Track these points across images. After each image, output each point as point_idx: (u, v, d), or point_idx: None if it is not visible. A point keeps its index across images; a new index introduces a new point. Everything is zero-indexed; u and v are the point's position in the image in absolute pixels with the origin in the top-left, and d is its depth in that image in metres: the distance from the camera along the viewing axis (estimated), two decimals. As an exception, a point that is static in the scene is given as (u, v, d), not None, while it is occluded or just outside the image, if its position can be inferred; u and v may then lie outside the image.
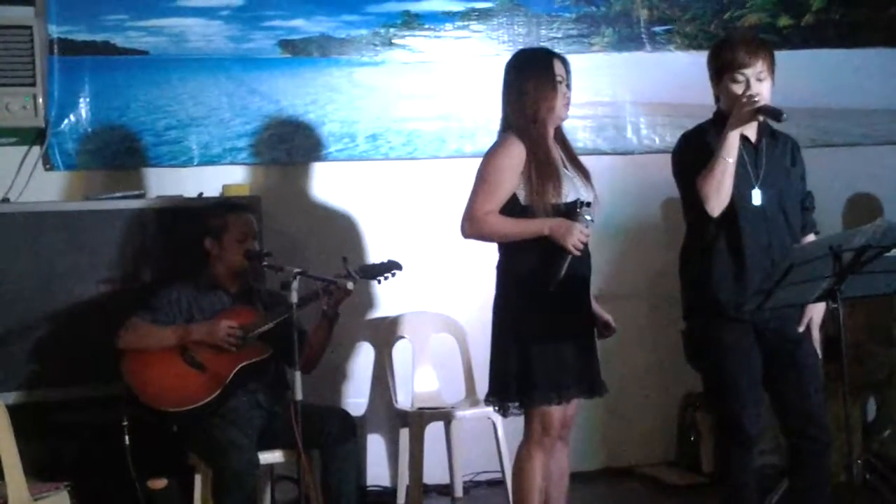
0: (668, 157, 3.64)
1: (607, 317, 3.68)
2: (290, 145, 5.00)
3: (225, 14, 4.94)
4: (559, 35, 5.40)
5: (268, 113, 4.98)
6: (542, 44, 5.16)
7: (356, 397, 5.04)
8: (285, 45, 5.05)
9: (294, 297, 3.69)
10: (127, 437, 4.04)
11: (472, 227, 3.49)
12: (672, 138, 3.74)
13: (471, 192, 3.52)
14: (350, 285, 4.00)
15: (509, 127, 3.56)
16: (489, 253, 3.63)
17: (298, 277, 3.70)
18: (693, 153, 3.46)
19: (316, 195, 5.03)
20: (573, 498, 3.80)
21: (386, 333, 5.00)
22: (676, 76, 5.35)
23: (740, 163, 3.41)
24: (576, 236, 3.40)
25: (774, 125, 3.55)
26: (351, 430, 4.04)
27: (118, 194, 4.49)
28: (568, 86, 3.59)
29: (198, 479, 4.01)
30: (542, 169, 3.46)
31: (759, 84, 3.43)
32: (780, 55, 3.57)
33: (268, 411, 4.10)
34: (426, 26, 5.24)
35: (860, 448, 4.65)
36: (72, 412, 4.24)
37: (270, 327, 4.03)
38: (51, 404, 4.23)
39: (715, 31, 5.51)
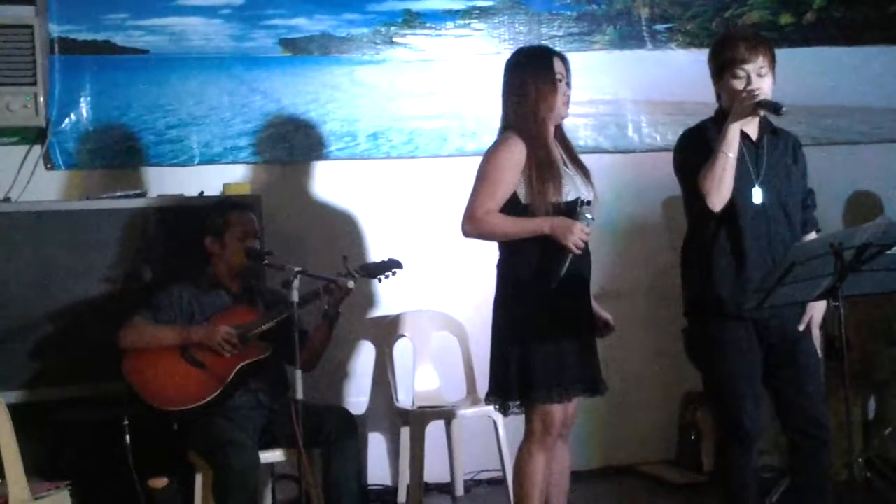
0: (669, 156, 3.64)
1: (607, 316, 3.68)
2: (291, 144, 5.00)
3: (225, 13, 4.94)
4: (560, 33, 5.39)
5: (269, 112, 4.98)
6: (543, 42, 5.15)
7: (357, 396, 5.04)
8: (286, 43, 5.05)
9: (295, 296, 3.69)
10: (128, 436, 4.04)
11: (473, 225, 3.49)
12: (673, 136, 3.74)
13: (471, 191, 3.52)
14: (351, 284, 4.00)
15: (509, 125, 3.56)
16: (490, 252, 3.63)
17: (299, 276, 3.70)
18: (694, 150, 3.47)
19: (317, 194, 5.03)
20: (574, 496, 3.80)
21: (387, 332, 5.00)
22: (678, 74, 5.35)
23: (741, 161, 3.41)
24: (576, 235, 3.40)
25: (775, 122, 3.55)
26: (352, 429, 4.04)
27: (119, 193, 4.50)
28: (568, 84, 3.59)
29: (198, 478, 4.01)
30: (542, 167, 3.46)
31: (760, 79, 3.43)
32: (781, 53, 3.57)
33: (269, 410, 4.10)
34: (427, 25, 5.24)
35: (861, 446, 4.65)
36: (73, 411, 4.23)
37: (271, 326, 4.03)
38: (51, 403, 4.23)
39: (716, 29, 5.50)
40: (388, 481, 5.03)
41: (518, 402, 3.51)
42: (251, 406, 4.08)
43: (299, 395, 3.65)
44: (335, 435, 3.97)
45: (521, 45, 4.65)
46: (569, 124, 3.72)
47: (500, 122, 3.63)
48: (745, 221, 3.42)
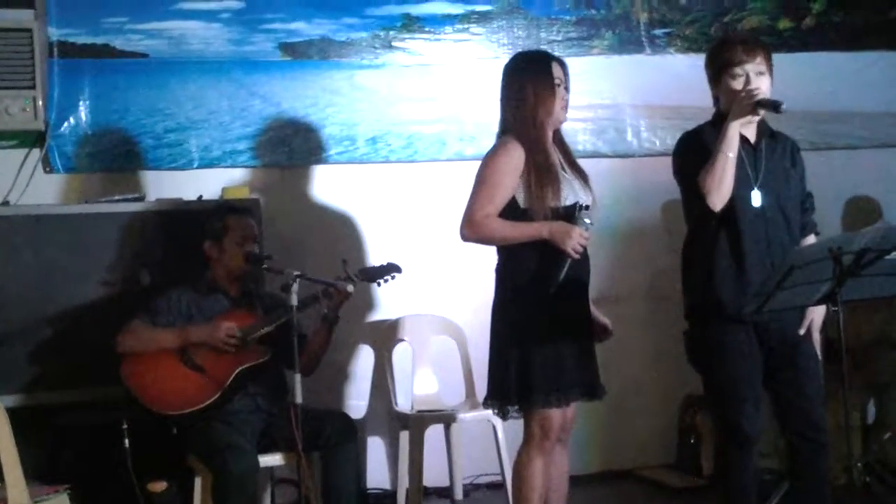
0: (668, 160, 3.65)
1: (605, 320, 3.69)
2: (290, 148, 5.00)
3: (225, 17, 4.95)
4: (559, 38, 5.40)
5: (268, 115, 4.98)
6: (541, 47, 5.17)
7: (356, 400, 5.04)
8: (285, 47, 5.05)
9: (294, 300, 3.69)
10: (127, 440, 4.03)
11: (472, 230, 3.49)
12: (672, 141, 3.75)
13: (470, 196, 3.52)
14: (350, 288, 4.00)
15: (508, 130, 3.56)
16: (488, 256, 3.63)
17: (298, 280, 3.70)
18: (692, 153, 3.47)
19: (316, 198, 5.03)
20: (573, 501, 3.79)
21: (386, 336, 5.00)
22: (676, 79, 5.36)
23: (740, 164, 3.42)
24: (575, 239, 3.41)
25: (774, 126, 3.56)
26: (351, 433, 4.04)
27: (118, 197, 4.49)
28: (567, 88, 3.59)
29: (198, 481, 4.00)
30: (541, 172, 3.46)
31: (759, 78, 3.44)
32: (780, 58, 3.58)
33: (268, 414, 4.10)
34: (426, 29, 5.24)
35: (860, 450, 4.65)
36: (72, 415, 4.23)
37: (270, 330, 4.03)
38: (51, 407, 4.22)
39: (715, 34, 5.51)
40: (387, 485, 5.03)
41: (517, 407, 3.51)
42: (250, 410, 4.08)
43: (298, 399, 3.65)
44: (334, 439, 3.97)
45: (520, 50, 4.68)
46: (567, 129, 3.72)
47: (499, 127, 3.63)
48: (745, 224, 3.42)
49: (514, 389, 3.47)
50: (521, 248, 3.47)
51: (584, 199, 3.53)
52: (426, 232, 5.01)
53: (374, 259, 4.79)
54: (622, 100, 5.43)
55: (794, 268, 3.01)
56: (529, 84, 3.53)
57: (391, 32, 5.19)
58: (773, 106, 3.35)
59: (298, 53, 5.08)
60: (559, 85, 3.55)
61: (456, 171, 4.69)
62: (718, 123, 3.46)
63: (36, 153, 4.65)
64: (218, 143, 4.90)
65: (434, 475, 4.86)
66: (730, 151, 3.35)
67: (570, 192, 3.51)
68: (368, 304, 5.03)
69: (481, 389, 3.74)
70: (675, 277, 3.64)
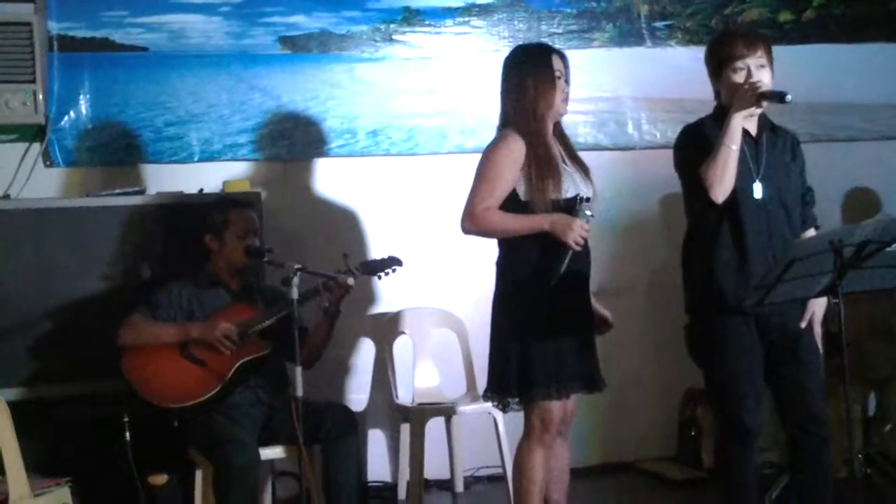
0: (669, 153, 3.64)
1: (605, 313, 3.69)
2: (290, 141, 5.00)
3: (225, 10, 4.94)
4: (559, 31, 5.39)
5: (268, 109, 4.98)
6: (542, 39, 5.15)
7: (357, 393, 5.04)
8: (285, 41, 5.05)
9: (295, 293, 3.69)
10: (128, 433, 4.04)
11: (472, 223, 3.49)
12: (673, 133, 3.74)
13: (471, 188, 3.52)
14: (351, 281, 4.00)
15: (508, 123, 3.56)
16: (489, 248, 3.62)
17: (299, 273, 3.70)
18: (694, 146, 3.46)
19: (316, 191, 5.03)
20: (573, 493, 3.80)
21: (386, 329, 5.00)
22: (677, 71, 5.35)
23: (741, 157, 3.41)
24: (576, 232, 3.40)
25: (776, 119, 3.55)
26: (352, 426, 4.05)
27: (118, 191, 4.49)
28: (567, 81, 3.59)
29: (198, 474, 4.01)
30: (541, 165, 3.46)
31: (760, 71, 3.43)
32: (780, 50, 3.57)
33: (269, 407, 4.10)
34: (426, 22, 5.24)
35: (861, 443, 4.66)
36: (73, 408, 4.24)
37: (271, 323, 4.03)
38: (52, 400, 4.23)
39: (715, 27, 5.50)
40: (388, 478, 5.04)
41: (517, 399, 3.51)
42: (251, 403, 4.08)
43: (299, 392, 3.65)
44: (335, 432, 3.97)
45: (521, 43, 4.66)
46: (568, 121, 3.72)
47: (499, 120, 3.63)
48: (746, 217, 3.42)
49: (514, 382, 3.48)
50: (521, 241, 3.47)
51: (585, 191, 3.53)
52: (427, 225, 5.01)
53: (375, 252, 4.79)
54: (623, 92, 5.43)
55: (796, 260, 3.01)
56: (530, 77, 3.52)
57: (392, 25, 5.19)
58: (779, 97, 3.33)
59: (298, 47, 5.07)
60: (559, 77, 3.54)
61: (456, 164, 4.69)
62: (720, 117, 3.45)
63: (36, 147, 4.65)
64: (218, 137, 4.90)
65: (435, 468, 4.87)
66: (733, 144, 3.35)
67: (571, 185, 3.51)
68: (369, 297, 5.03)
69: (482, 382, 3.74)
70: (675, 270, 3.63)
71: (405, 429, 4.75)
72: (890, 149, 5.70)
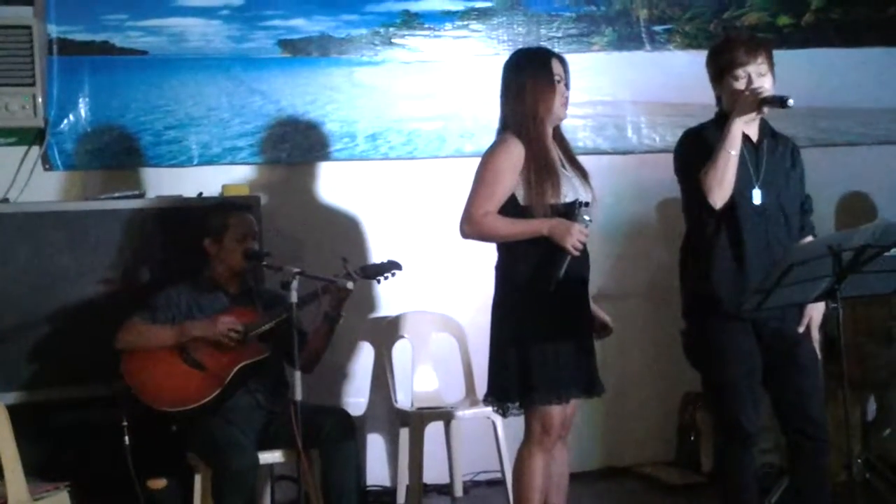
0: (668, 157, 3.65)
1: (605, 317, 3.68)
2: (289, 145, 5.00)
3: (224, 14, 4.94)
4: (559, 34, 5.40)
5: (267, 113, 4.97)
6: (541, 43, 5.16)
7: (356, 397, 5.04)
8: (285, 44, 5.05)
9: (294, 297, 3.69)
10: (127, 437, 4.04)
11: (471, 227, 3.49)
12: (672, 137, 3.75)
13: (469, 193, 3.52)
14: (350, 285, 4.00)
15: (508, 127, 3.56)
16: (489, 253, 3.62)
17: (298, 277, 3.70)
18: (694, 151, 3.47)
19: (316, 195, 5.03)
20: (573, 498, 3.79)
21: (386, 333, 5.00)
22: (676, 75, 5.35)
23: (741, 162, 3.42)
24: (575, 236, 3.40)
25: (776, 124, 3.56)
26: (351, 430, 4.04)
27: (117, 194, 4.49)
28: (566, 85, 3.59)
29: (197, 478, 4.00)
30: (540, 169, 3.46)
31: (761, 79, 3.44)
32: (779, 54, 3.58)
33: (267, 411, 4.10)
34: (426, 26, 5.24)
35: (860, 447, 4.66)
36: (72, 412, 4.23)
37: (270, 327, 4.03)
38: (51, 404, 4.22)
39: (715, 31, 5.51)
40: (387, 482, 5.03)
41: (517, 404, 3.51)
42: (250, 407, 4.08)
43: (298, 396, 3.65)
44: (334, 436, 3.97)
45: (520, 47, 4.68)
46: (567, 126, 3.72)
47: (499, 124, 3.62)
48: (745, 222, 3.43)
49: (514, 387, 3.47)
50: (520, 246, 3.47)
51: (584, 195, 3.53)
52: (426, 229, 5.01)
53: (374, 256, 4.79)
54: (622, 96, 5.43)
55: (794, 265, 3.01)
56: (529, 81, 3.52)
57: (391, 29, 5.19)
58: (781, 101, 3.34)
59: (298, 50, 5.07)
60: (559, 81, 3.54)
61: (456, 168, 4.69)
62: (721, 122, 3.46)
63: (35, 150, 4.64)
64: (218, 140, 4.90)
65: (434, 472, 4.87)
66: (732, 149, 3.35)
67: (570, 189, 3.50)
68: (368, 301, 5.03)
69: (481, 386, 3.74)
70: (674, 275, 3.64)
71: (404, 433, 4.75)
72: (888, 153, 5.71)
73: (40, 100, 4.45)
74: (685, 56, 5.47)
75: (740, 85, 3.43)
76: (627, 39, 5.50)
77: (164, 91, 4.85)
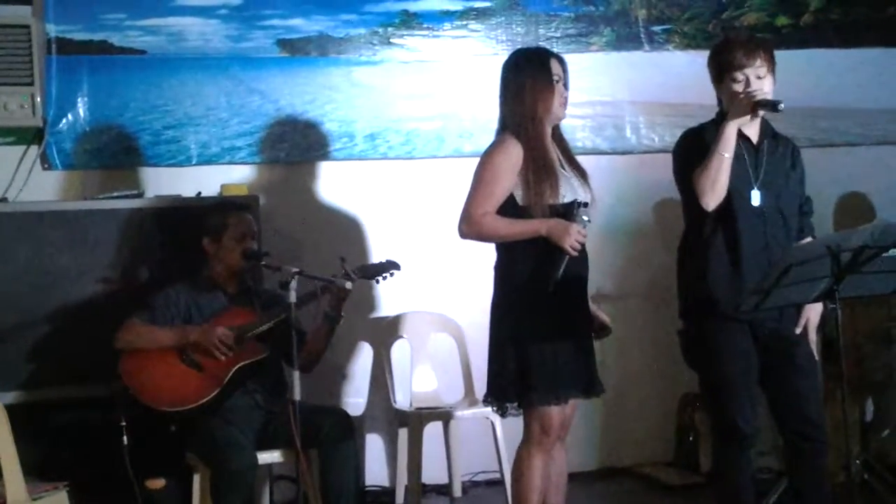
0: (667, 157, 3.65)
1: (604, 317, 3.68)
2: (288, 145, 5.00)
3: (223, 13, 4.94)
4: (558, 34, 5.40)
5: (266, 112, 4.97)
6: (540, 43, 5.15)
7: (355, 397, 5.03)
8: (283, 44, 5.05)
9: (292, 297, 3.69)
10: (125, 437, 4.03)
11: (470, 227, 3.48)
12: (671, 138, 3.75)
13: (468, 193, 3.51)
14: (348, 285, 4.00)
15: (506, 127, 3.55)
16: (488, 253, 3.62)
17: (296, 277, 3.70)
18: (693, 152, 3.47)
19: (314, 195, 5.03)
20: (571, 498, 3.79)
21: (384, 333, 5.00)
22: (675, 76, 5.35)
23: (741, 163, 3.42)
24: (573, 237, 3.40)
25: (775, 125, 3.56)
26: (349, 430, 4.04)
27: (116, 194, 4.49)
28: (565, 85, 3.58)
29: (196, 478, 4.00)
30: (539, 169, 3.45)
31: (759, 81, 3.45)
32: (778, 55, 3.58)
33: (266, 411, 4.10)
34: (424, 26, 5.24)
35: (858, 448, 4.66)
36: (70, 412, 4.24)
37: (268, 327, 4.02)
38: (49, 404, 4.23)
39: (713, 31, 5.51)
40: (385, 482, 5.03)
41: (516, 404, 3.51)
42: (249, 407, 4.07)
43: (297, 396, 3.65)
44: (333, 436, 3.97)
45: (519, 47, 4.67)
46: (566, 126, 3.71)
47: (498, 124, 3.62)
48: (743, 223, 3.43)
49: (513, 387, 3.47)
50: (519, 246, 3.47)
51: (583, 196, 3.52)
52: (425, 229, 5.01)
53: (373, 256, 4.79)
54: (621, 96, 5.43)
55: (792, 266, 3.01)
56: (528, 81, 3.52)
57: (389, 29, 5.19)
58: (772, 106, 3.36)
59: (296, 50, 5.07)
60: (558, 81, 3.54)
61: (454, 168, 4.68)
62: (721, 122, 3.46)
63: (34, 150, 4.64)
64: (216, 140, 4.90)
65: (433, 472, 4.87)
66: (725, 152, 3.36)
67: (569, 190, 3.50)
68: (367, 302, 5.03)
69: (480, 387, 3.74)
70: (673, 275, 3.63)
71: (403, 433, 4.74)
72: (887, 154, 5.71)
73: (39, 99, 4.45)
74: (684, 56, 5.46)
75: (738, 87, 3.44)
76: (626, 39, 5.50)
77: (163, 90, 4.85)
